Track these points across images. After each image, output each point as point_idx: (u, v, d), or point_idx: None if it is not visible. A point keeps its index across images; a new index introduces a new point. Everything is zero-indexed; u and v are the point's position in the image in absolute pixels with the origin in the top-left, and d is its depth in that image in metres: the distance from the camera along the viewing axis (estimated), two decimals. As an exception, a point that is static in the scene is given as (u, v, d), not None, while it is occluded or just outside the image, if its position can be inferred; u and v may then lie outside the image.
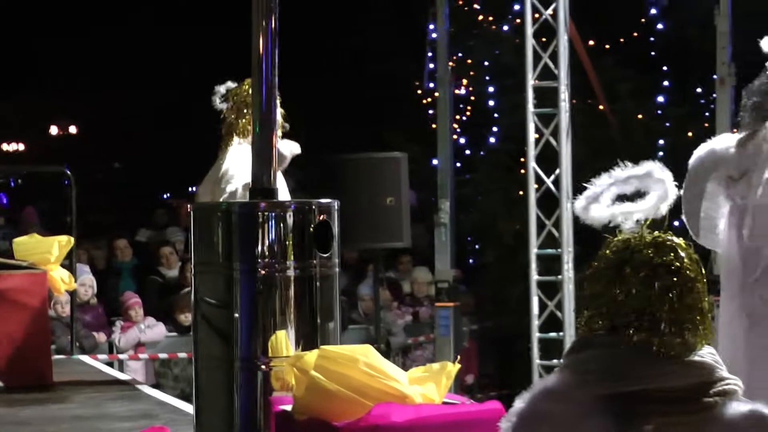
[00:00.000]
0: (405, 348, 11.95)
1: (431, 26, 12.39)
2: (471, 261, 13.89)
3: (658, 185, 3.13)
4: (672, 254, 2.94)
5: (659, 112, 13.04)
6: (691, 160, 5.72)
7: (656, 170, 3.15)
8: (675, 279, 2.92)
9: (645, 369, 2.89)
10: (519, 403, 2.98)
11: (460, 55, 13.53)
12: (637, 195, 3.15)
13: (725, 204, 5.59)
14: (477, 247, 14.08)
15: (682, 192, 5.95)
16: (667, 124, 12.91)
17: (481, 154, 13.98)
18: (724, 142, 5.90)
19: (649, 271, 2.92)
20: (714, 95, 10.41)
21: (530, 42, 9.93)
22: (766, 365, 5.36)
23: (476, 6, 13.65)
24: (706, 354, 2.93)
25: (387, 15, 14.93)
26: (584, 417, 2.90)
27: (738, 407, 2.86)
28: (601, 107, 12.27)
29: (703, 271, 2.99)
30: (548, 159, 9.92)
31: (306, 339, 5.40)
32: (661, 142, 12.83)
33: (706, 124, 11.05)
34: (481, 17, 13.69)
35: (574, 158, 9.87)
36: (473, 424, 4.83)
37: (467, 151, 14.07)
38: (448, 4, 11.41)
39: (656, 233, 3.00)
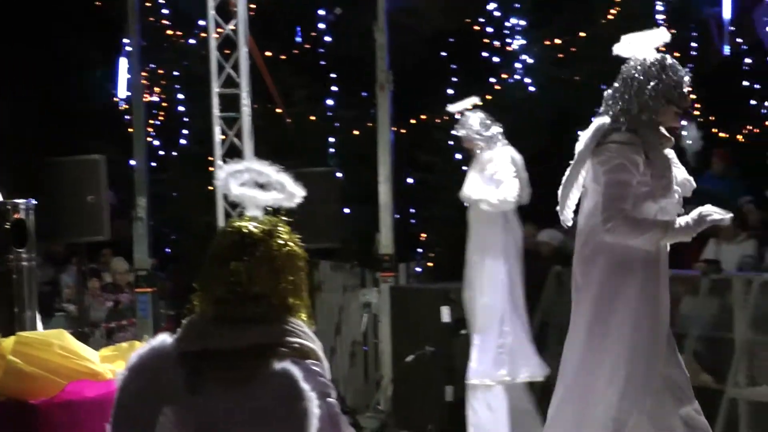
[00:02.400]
0: (109, 332, 11.75)
1: (125, 40, 12.19)
2: (167, 251, 13.78)
3: (276, 183, 3.27)
4: (276, 240, 3.09)
5: (330, 114, 13.20)
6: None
7: (267, 170, 3.28)
8: (273, 261, 3.08)
9: (219, 332, 3.04)
10: (133, 357, 3.11)
11: (152, 65, 13.38)
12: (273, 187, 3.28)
13: None
14: (173, 237, 13.98)
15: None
16: (337, 125, 13.08)
17: (173, 155, 13.88)
18: None
19: (250, 253, 3.06)
20: (375, 100, 10.64)
21: (214, 54, 9.89)
22: None
23: (165, 21, 13.51)
24: (290, 323, 3.07)
25: (84, 29, 14.58)
26: (170, 369, 3.03)
27: (277, 365, 2.99)
28: (278, 110, 12.33)
29: (304, 256, 3.16)
30: (233, 157, 9.91)
31: (4, 327, 5.28)
32: (332, 140, 13.02)
33: (370, 124, 11.26)
34: (170, 32, 13.56)
35: (257, 156, 9.88)
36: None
37: (161, 152, 13.95)
38: (140, 20, 11.24)
39: (270, 219, 3.13)
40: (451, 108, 8.96)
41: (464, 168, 8.98)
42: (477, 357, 8.62)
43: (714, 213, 5.69)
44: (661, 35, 5.90)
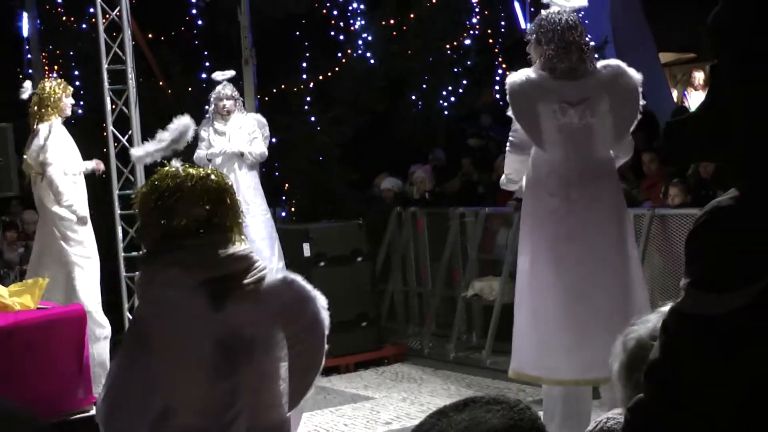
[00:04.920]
0: (21, 272, 11.50)
1: (27, 26, 11.88)
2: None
3: (173, 132, 3.24)
4: (213, 179, 3.09)
5: (204, 85, 13.07)
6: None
7: (160, 135, 3.25)
8: (218, 197, 3.08)
9: (223, 259, 3.04)
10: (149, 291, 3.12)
11: (50, 47, 13.05)
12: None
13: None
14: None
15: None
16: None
17: (72, 122, 13.56)
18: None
19: (199, 193, 3.04)
20: (241, 73, 10.58)
21: (102, 36, 9.75)
22: None
23: (60, 9, 13.12)
24: (245, 248, 3.12)
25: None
26: (192, 297, 3.00)
27: (275, 276, 3.11)
28: (160, 83, 12.16)
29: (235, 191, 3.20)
30: (123, 123, 9.81)
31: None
32: (206, 107, 12.86)
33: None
34: (64, 18, 13.18)
35: (142, 122, 9.79)
36: (59, 322, 4.77)
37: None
38: (36, 7, 10.96)
39: (195, 168, 3.14)
40: (217, 75, 9.36)
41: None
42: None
43: None
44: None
